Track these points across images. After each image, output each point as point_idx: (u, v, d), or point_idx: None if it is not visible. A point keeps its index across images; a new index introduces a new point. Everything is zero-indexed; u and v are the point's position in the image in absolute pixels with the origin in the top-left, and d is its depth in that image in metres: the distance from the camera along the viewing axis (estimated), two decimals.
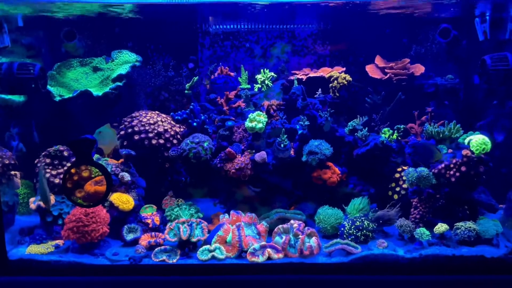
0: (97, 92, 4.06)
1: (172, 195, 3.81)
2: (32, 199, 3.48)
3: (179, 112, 4.06)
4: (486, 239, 3.20)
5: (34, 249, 3.18)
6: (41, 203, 3.28)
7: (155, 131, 3.81)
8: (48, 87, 4.03)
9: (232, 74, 4.24)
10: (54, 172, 3.60)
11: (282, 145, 3.64)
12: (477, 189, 3.47)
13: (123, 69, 4.20)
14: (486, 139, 3.31)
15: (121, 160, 3.68)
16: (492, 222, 3.29)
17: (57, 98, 4.03)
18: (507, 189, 3.62)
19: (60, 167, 3.63)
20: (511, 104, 3.94)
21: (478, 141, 3.30)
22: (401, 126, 3.85)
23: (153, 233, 3.39)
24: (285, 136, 3.66)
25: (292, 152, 3.74)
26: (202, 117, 3.98)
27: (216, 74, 4.20)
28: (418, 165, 3.57)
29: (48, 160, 3.63)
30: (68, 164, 3.63)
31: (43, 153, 3.67)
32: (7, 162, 3.50)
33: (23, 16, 3.97)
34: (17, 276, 3.01)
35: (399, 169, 3.75)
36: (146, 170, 3.80)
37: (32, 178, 3.74)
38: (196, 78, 4.31)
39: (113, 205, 3.42)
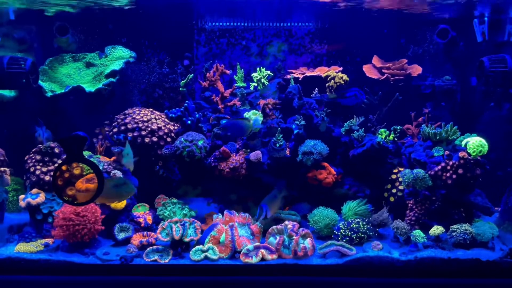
0: (89, 88, 4.00)
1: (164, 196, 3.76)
2: (21, 197, 3.42)
3: (173, 109, 4.00)
4: (481, 242, 3.19)
5: (23, 248, 3.13)
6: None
7: (149, 129, 3.75)
8: (40, 82, 3.97)
9: (227, 72, 4.19)
10: (44, 169, 3.53)
11: (277, 145, 3.60)
12: (473, 191, 3.45)
13: (117, 65, 4.14)
14: (483, 141, 3.30)
15: (114, 157, 3.62)
16: (488, 225, 3.28)
17: (49, 94, 3.97)
18: (502, 192, 3.61)
19: (50, 164, 3.57)
20: (508, 106, 3.93)
21: (475, 143, 3.28)
22: (398, 127, 3.83)
23: (145, 232, 3.34)
24: (281, 135, 3.62)
25: (287, 152, 3.70)
26: (197, 115, 3.93)
27: (211, 71, 4.15)
28: (413, 167, 3.55)
29: (38, 157, 3.56)
30: (59, 161, 3.56)
31: (33, 150, 3.60)
32: None
33: (15, 10, 3.90)
34: (5, 275, 2.94)
35: (395, 171, 3.73)
36: (138, 168, 3.74)
37: (22, 174, 3.67)
38: (191, 76, 4.27)
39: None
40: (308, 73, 4.36)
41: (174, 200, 3.69)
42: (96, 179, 2.92)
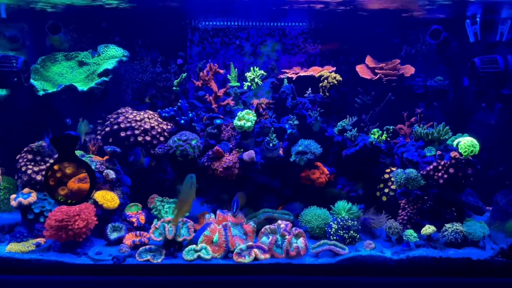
0: (82, 87, 3.98)
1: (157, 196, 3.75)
2: (13, 196, 3.39)
3: (166, 109, 4.00)
4: (472, 241, 3.21)
5: (15, 247, 3.11)
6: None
7: (142, 128, 3.74)
8: (32, 81, 3.94)
9: (221, 71, 4.19)
10: (36, 169, 3.50)
11: (271, 144, 3.60)
12: (465, 191, 3.47)
13: (110, 64, 4.11)
14: (475, 141, 3.32)
15: (106, 157, 3.60)
16: (479, 224, 3.31)
17: (41, 93, 3.94)
18: (494, 192, 3.64)
19: (42, 163, 3.54)
20: (500, 107, 3.96)
21: (466, 143, 3.31)
22: (390, 127, 3.84)
23: (138, 232, 3.33)
24: (274, 135, 3.63)
25: (281, 152, 3.71)
26: (190, 115, 3.92)
27: (205, 71, 4.14)
28: (405, 166, 3.57)
29: (30, 156, 3.54)
30: (51, 161, 3.54)
31: (25, 149, 3.58)
32: None
33: (7, 7, 3.87)
34: None
35: (388, 170, 3.74)
36: (131, 167, 3.72)
37: (14, 174, 3.64)
38: (184, 75, 4.26)
39: (97, 203, 3.35)
40: (302, 73, 4.36)
41: (168, 199, 3.69)
42: (88, 179, 2.92)
